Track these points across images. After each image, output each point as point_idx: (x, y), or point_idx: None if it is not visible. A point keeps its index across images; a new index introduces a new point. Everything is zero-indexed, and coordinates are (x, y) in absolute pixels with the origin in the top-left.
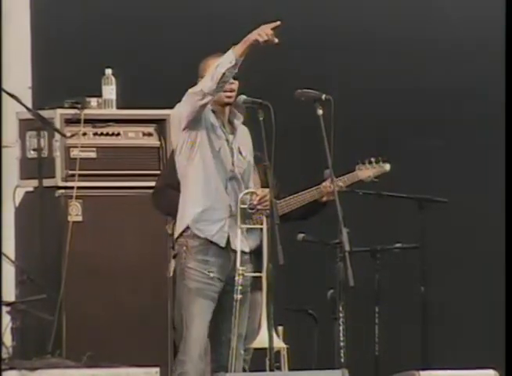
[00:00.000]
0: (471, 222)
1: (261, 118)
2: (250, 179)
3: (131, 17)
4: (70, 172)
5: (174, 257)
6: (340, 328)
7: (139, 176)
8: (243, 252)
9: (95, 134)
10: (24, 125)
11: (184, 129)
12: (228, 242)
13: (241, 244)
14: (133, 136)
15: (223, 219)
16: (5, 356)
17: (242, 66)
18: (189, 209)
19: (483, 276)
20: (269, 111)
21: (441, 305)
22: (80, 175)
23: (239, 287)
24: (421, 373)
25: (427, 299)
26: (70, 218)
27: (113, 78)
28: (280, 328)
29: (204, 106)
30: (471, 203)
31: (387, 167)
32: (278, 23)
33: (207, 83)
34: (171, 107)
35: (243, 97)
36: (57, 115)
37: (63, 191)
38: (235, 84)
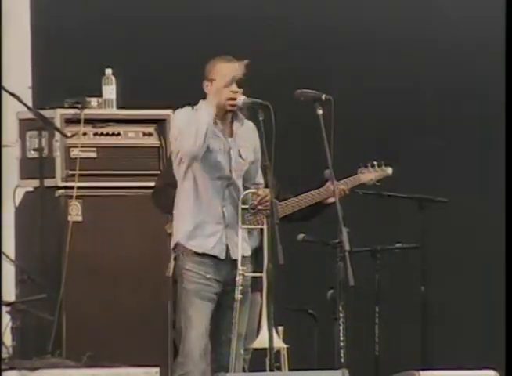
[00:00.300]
0: (471, 222)
1: (261, 118)
2: (256, 175)
3: (131, 17)
4: (70, 172)
5: (175, 259)
6: (340, 328)
7: (139, 176)
8: (243, 257)
9: (96, 134)
10: (24, 125)
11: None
12: (227, 253)
13: (242, 249)
14: (133, 136)
15: (219, 231)
16: (5, 355)
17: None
18: (182, 226)
19: (483, 276)
20: (269, 111)
21: (441, 305)
22: (80, 175)
23: (240, 288)
24: (421, 373)
25: (427, 299)
26: (70, 218)
27: (113, 78)
28: (280, 328)
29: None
30: (471, 203)
31: (390, 171)
32: (246, 61)
33: (191, 148)
34: (171, 107)
35: (242, 98)
36: (57, 115)
37: (63, 191)
38: (239, 93)
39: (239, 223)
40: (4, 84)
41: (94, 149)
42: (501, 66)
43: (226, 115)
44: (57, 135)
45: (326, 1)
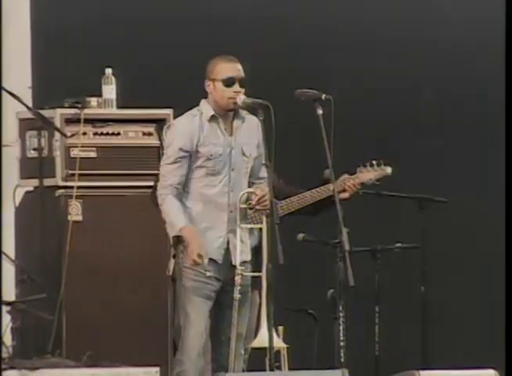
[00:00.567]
0: (471, 222)
1: (261, 118)
2: (260, 170)
3: (131, 17)
4: (70, 172)
5: (174, 256)
6: (340, 328)
7: (139, 176)
8: (244, 262)
9: (95, 133)
10: (24, 125)
11: None
12: (228, 258)
13: (242, 253)
14: (133, 136)
15: (220, 238)
16: (5, 355)
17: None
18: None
19: (483, 276)
20: (269, 111)
21: (441, 305)
22: (80, 175)
23: (238, 287)
24: (421, 373)
25: (427, 299)
26: (70, 218)
27: (113, 78)
28: (280, 328)
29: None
30: (471, 203)
31: (389, 170)
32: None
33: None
34: (171, 107)
35: (242, 97)
36: (57, 115)
37: (63, 191)
38: (241, 93)
39: (238, 222)
40: (4, 84)
41: (94, 149)
42: (501, 66)
43: (228, 114)
44: (57, 135)
45: (326, 1)
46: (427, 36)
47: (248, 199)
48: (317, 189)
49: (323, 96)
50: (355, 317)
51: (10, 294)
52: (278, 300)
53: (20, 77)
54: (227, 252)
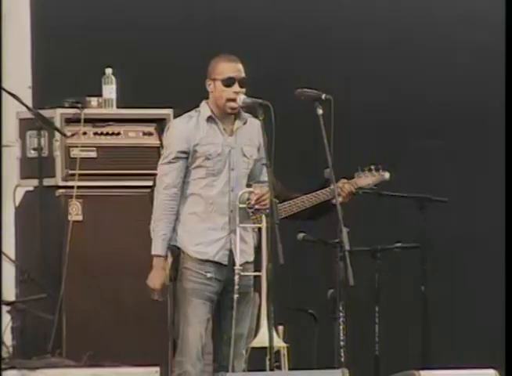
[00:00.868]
0: (471, 222)
1: (261, 118)
2: (260, 173)
3: (131, 17)
4: (70, 172)
5: (175, 259)
6: (340, 328)
7: (139, 176)
8: (247, 262)
9: (96, 133)
10: (24, 125)
11: None
12: (231, 259)
13: (244, 254)
14: (133, 136)
15: (222, 238)
16: (5, 355)
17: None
18: (184, 232)
19: (483, 276)
20: (269, 111)
21: (441, 305)
22: (80, 175)
23: (236, 287)
24: (421, 373)
25: (427, 299)
26: (70, 218)
27: (114, 78)
28: (280, 327)
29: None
30: (471, 203)
31: (387, 175)
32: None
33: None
34: (171, 107)
35: (242, 97)
36: (57, 115)
37: (63, 190)
38: (241, 93)
39: (237, 222)
40: (4, 84)
41: (94, 148)
42: (501, 66)
43: (229, 115)
44: (57, 135)
45: (326, 1)
46: (427, 36)
47: (248, 199)
48: (314, 193)
49: (323, 96)
50: (354, 317)
51: (10, 294)
52: (278, 300)
53: (20, 77)
54: (230, 253)
